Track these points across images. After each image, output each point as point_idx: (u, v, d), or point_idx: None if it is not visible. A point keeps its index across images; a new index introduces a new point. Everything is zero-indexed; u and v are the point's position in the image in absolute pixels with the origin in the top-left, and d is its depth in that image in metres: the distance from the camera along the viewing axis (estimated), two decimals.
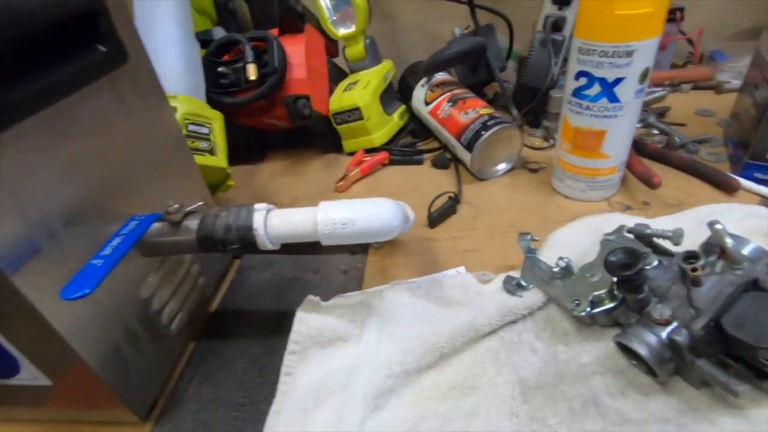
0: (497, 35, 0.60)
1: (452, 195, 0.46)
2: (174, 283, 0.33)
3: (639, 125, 0.57)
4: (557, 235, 0.39)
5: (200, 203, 0.30)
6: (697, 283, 0.25)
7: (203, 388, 0.33)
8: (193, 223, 0.29)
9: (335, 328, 0.33)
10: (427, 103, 0.56)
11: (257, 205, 0.29)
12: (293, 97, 0.51)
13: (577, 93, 0.40)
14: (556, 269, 0.32)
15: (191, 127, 0.43)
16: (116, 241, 0.24)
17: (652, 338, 0.26)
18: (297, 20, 0.54)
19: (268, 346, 0.35)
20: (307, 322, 0.33)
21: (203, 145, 0.43)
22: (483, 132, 0.47)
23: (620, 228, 0.32)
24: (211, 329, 0.38)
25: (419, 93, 0.58)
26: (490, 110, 0.50)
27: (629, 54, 0.36)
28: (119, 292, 0.27)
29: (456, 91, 0.54)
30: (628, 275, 0.26)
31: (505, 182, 0.51)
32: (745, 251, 0.27)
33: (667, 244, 0.31)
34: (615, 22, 0.35)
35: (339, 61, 0.65)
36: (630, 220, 0.39)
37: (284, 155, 0.64)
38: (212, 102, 0.53)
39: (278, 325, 0.36)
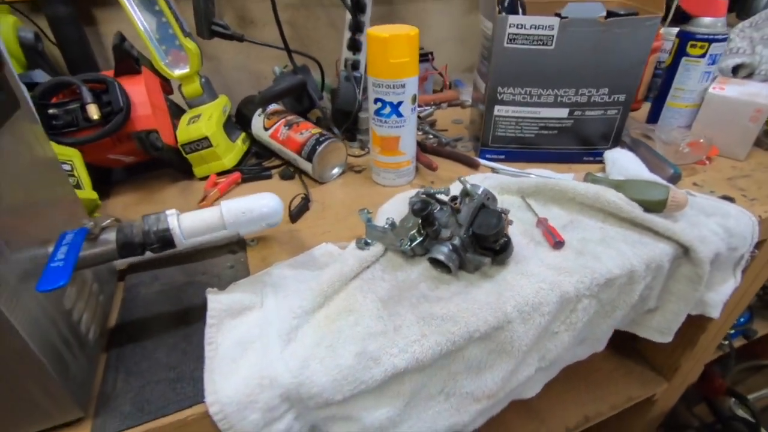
0: (311, 73, 0.76)
1: (303, 195, 0.60)
2: (84, 298, 0.37)
3: (420, 133, 0.82)
4: (383, 208, 0.56)
5: (111, 219, 0.36)
6: (458, 210, 0.45)
7: (131, 379, 0.38)
8: (110, 236, 0.35)
9: (241, 300, 0.43)
10: (266, 129, 0.68)
11: (167, 211, 0.37)
12: (145, 132, 0.56)
13: (377, 113, 0.59)
14: (386, 226, 0.49)
15: None
16: (63, 250, 0.29)
17: (444, 249, 0.45)
18: (133, 63, 0.59)
19: (182, 335, 0.42)
20: (217, 300, 0.41)
21: (69, 180, 0.46)
22: (317, 146, 0.62)
23: (417, 193, 0.51)
24: (118, 339, 0.41)
25: (257, 121, 0.70)
26: (319, 130, 0.66)
27: (403, 86, 0.56)
28: (52, 301, 0.32)
29: (289, 117, 0.68)
30: (424, 214, 0.44)
31: (340, 183, 0.67)
32: (478, 191, 0.48)
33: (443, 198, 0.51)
34: (391, 67, 0.55)
35: (174, 97, 0.72)
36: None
37: (132, 188, 0.66)
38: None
39: (185, 320, 0.43)
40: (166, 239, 0.36)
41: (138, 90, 0.59)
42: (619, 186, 0.56)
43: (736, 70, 0.76)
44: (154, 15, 0.63)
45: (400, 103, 0.57)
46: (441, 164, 0.69)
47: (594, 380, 0.84)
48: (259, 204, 0.38)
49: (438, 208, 0.48)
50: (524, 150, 0.69)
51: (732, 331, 1.01)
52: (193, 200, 0.62)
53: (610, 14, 0.58)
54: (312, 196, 0.63)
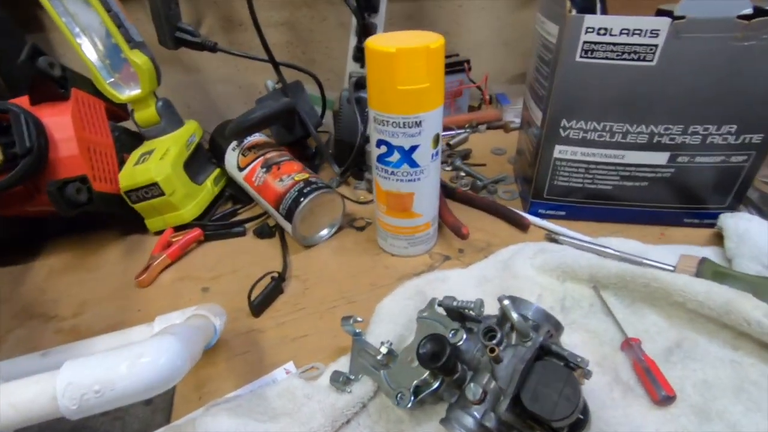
0: (306, 90, 0.59)
1: (275, 274, 0.42)
2: None
3: (448, 168, 0.62)
4: (383, 307, 0.37)
5: None
6: (497, 360, 0.26)
7: None
8: None
9: None
10: (241, 169, 0.51)
11: None
12: (59, 183, 0.41)
13: (381, 160, 0.41)
14: (379, 357, 0.31)
15: None
16: None
17: (469, 420, 0.26)
18: (54, 86, 0.44)
19: None
20: None
21: None
22: (301, 199, 0.45)
23: (432, 302, 0.32)
24: None
25: (231, 157, 0.53)
26: (305, 175, 0.48)
27: (418, 124, 0.37)
28: None
29: (269, 155, 0.51)
30: (439, 366, 0.25)
31: (333, 246, 0.49)
32: (530, 314, 0.29)
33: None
34: (401, 97, 0.36)
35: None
36: (449, 276, 0.41)
37: (69, 244, 0.52)
38: None
39: None
40: None
41: (61, 122, 0.44)
42: (759, 287, 0.35)
43: None
44: (96, 17, 0.48)
45: (414, 149, 0.39)
46: (475, 219, 0.50)
47: None
48: (130, 371, 0.21)
49: (464, 337, 0.29)
50: (594, 206, 0.48)
51: None
52: (139, 266, 0.46)
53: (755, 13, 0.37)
54: (291, 267, 0.45)
